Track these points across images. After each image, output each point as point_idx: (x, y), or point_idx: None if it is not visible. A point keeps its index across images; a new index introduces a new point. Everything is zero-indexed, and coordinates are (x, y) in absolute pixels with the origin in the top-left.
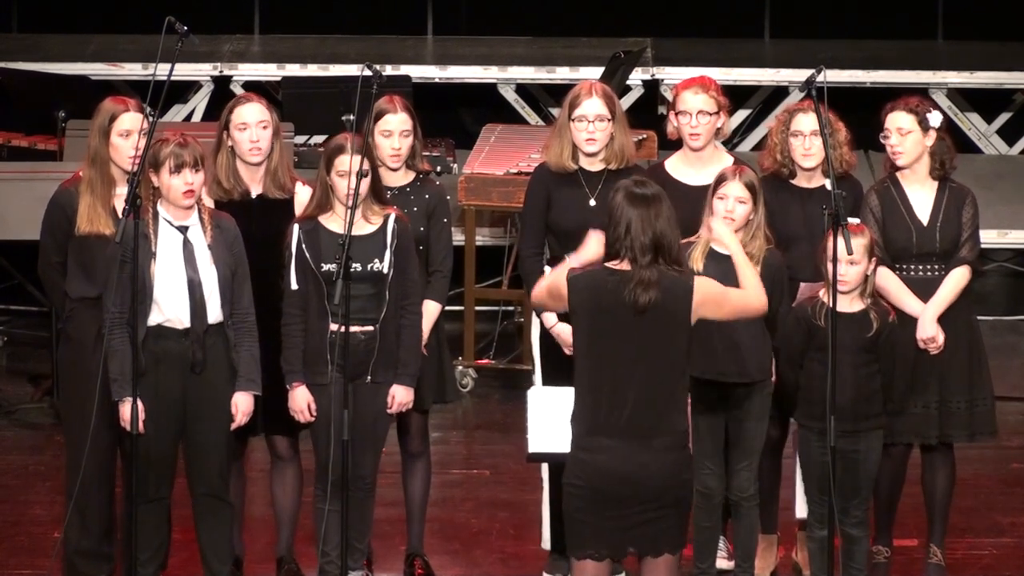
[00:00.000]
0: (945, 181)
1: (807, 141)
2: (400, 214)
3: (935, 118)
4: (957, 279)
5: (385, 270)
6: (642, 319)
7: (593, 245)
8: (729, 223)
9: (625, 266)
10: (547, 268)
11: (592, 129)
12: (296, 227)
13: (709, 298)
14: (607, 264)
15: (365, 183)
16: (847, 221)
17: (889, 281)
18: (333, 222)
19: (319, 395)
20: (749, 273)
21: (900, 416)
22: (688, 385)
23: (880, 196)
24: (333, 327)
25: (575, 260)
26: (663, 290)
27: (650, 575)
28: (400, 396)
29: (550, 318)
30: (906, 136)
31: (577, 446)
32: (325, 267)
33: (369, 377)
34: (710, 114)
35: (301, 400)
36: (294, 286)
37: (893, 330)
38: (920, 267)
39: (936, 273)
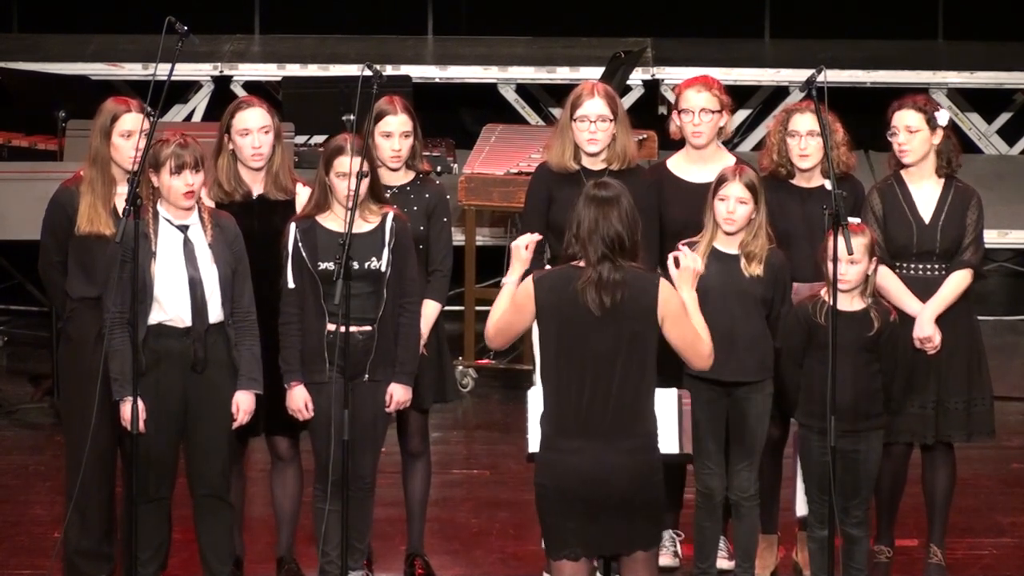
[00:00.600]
0: (951, 180)
1: (803, 141)
2: (398, 212)
3: (943, 117)
4: (958, 281)
5: (383, 268)
6: (610, 318)
7: (517, 268)
8: (731, 224)
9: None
10: (548, 267)
11: (594, 129)
12: (293, 226)
13: (672, 304)
14: (573, 263)
15: (364, 183)
16: (848, 221)
17: (889, 281)
18: (330, 221)
19: (317, 394)
20: (703, 326)
21: (898, 416)
22: (655, 387)
23: (882, 194)
24: (331, 326)
25: (512, 276)
26: (628, 287)
27: (628, 572)
28: (398, 395)
29: None
30: (914, 135)
31: (546, 447)
32: (322, 266)
33: (367, 376)
34: (713, 112)
35: (299, 399)
36: (291, 285)
37: (895, 329)
38: (920, 266)
39: (936, 273)
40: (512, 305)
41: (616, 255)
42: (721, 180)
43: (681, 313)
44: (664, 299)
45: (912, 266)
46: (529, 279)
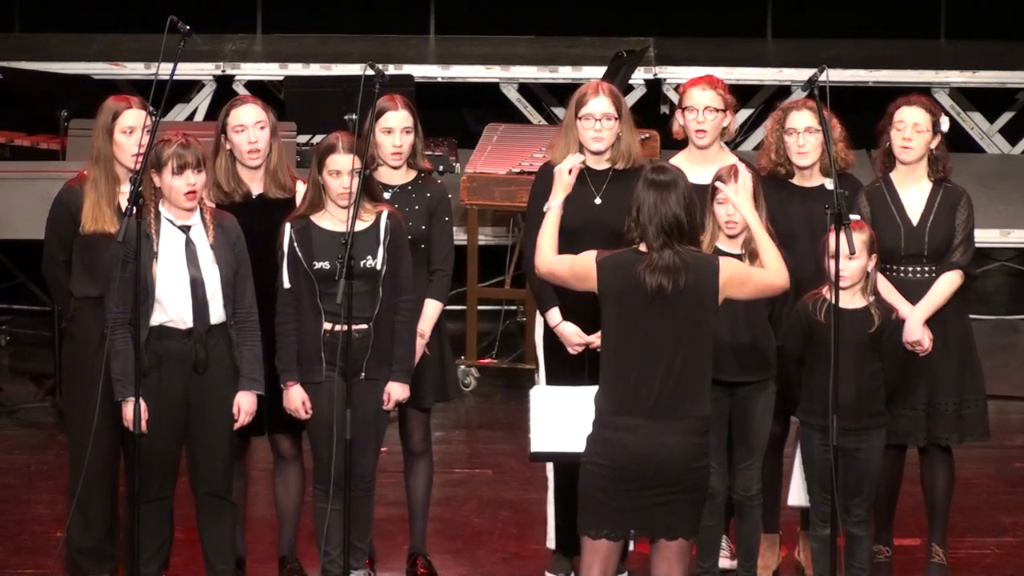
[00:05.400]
0: (940, 182)
1: (801, 138)
2: (393, 211)
3: (944, 123)
4: (947, 283)
5: (379, 267)
6: (671, 301)
7: (559, 193)
8: (732, 227)
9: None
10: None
11: (599, 128)
12: (288, 226)
13: (735, 277)
14: (635, 247)
15: (358, 181)
16: (850, 220)
17: (880, 284)
18: (325, 220)
19: (314, 394)
20: (769, 249)
21: (890, 417)
22: (711, 369)
23: (870, 197)
24: (327, 325)
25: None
26: (689, 271)
27: (661, 559)
28: (395, 393)
29: (554, 316)
30: (920, 134)
31: (601, 425)
32: (318, 265)
33: (364, 375)
34: (717, 111)
35: (296, 399)
36: (287, 285)
37: (896, 328)
38: (909, 268)
39: (926, 275)
40: (572, 272)
41: (675, 239)
42: (718, 183)
43: (745, 274)
44: (725, 279)
45: (901, 268)
46: (592, 259)
